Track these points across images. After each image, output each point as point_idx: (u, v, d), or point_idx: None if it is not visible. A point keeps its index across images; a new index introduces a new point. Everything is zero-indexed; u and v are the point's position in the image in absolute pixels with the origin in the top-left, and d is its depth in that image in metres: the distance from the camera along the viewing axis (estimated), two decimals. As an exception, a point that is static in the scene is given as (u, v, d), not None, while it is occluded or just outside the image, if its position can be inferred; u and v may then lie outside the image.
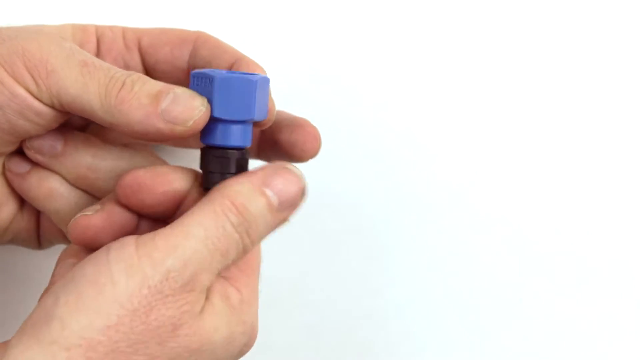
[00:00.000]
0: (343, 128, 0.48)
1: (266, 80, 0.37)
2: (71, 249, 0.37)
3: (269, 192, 0.35)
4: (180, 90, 0.35)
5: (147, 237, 0.33)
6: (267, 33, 0.47)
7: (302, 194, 0.36)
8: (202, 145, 0.37)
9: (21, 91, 0.35)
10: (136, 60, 0.40)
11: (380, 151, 0.49)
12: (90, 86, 0.34)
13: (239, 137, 0.36)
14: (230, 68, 0.38)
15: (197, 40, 0.39)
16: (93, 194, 0.39)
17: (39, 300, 0.33)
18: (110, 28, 0.40)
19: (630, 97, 0.49)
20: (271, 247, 0.48)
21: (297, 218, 0.48)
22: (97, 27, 0.40)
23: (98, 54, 0.39)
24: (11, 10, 0.44)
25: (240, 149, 0.37)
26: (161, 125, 0.34)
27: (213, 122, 0.36)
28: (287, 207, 0.36)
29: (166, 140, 0.36)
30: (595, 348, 0.50)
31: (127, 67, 0.39)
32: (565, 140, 0.49)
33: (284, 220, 0.36)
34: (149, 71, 0.40)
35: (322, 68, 0.48)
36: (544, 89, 0.49)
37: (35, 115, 0.35)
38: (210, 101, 0.35)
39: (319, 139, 0.41)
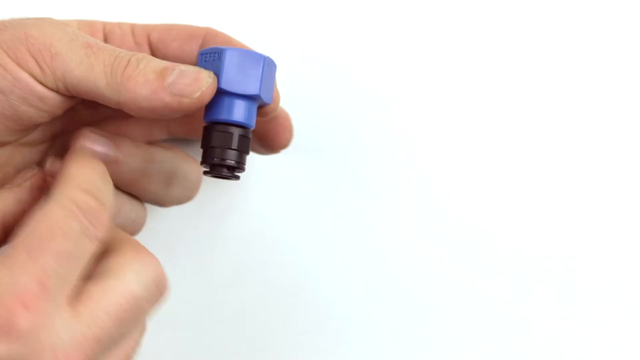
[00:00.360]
0: (342, 125, 0.48)
1: (273, 63, 0.37)
2: None
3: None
4: (185, 66, 0.35)
5: None
6: (268, 31, 0.48)
7: None
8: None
9: (25, 76, 0.34)
10: None
11: (377, 150, 0.49)
12: (96, 66, 0.34)
13: (243, 114, 0.36)
14: None
15: (206, 35, 0.39)
16: (139, 197, 0.40)
17: None
18: (119, 25, 0.40)
19: (623, 113, 0.49)
20: (269, 249, 0.49)
21: (292, 216, 0.48)
22: (104, 24, 0.39)
23: None
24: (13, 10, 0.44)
25: (243, 126, 0.37)
26: (168, 99, 0.34)
27: (218, 96, 0.36)
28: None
29: (173, 115, 0.36)
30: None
31: None
32: (566, 145, 0.49)
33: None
34: None
35: (324, 63, 0.48)
36: (540, 94, 0.49)
37: (38, 101, 0.35)
38: (217, 74, 0.36)
39: (291, 131, 0.42)
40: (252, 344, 0.48)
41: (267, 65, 0.36)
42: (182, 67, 0.35)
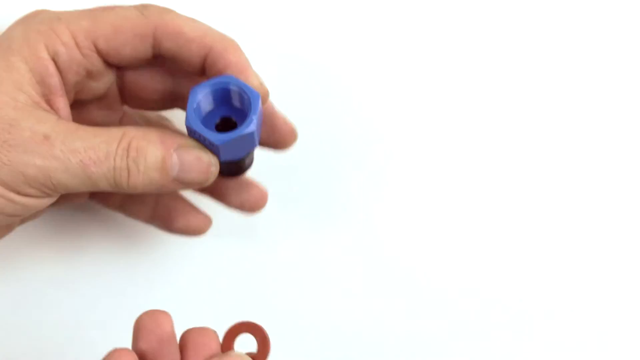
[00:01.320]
0: (332, 130, 0.48)
1: (259, 112, 0.37)
2: None
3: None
4: (184, 153, 0.36)
5: None
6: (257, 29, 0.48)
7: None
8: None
9: (28, 201, 0.36)
10: (97, 64, 0.38)
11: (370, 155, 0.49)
12: (99, 182, 0.36)
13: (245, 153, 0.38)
14: (202, 62, 0.37)
15: (156, 32, 0.37)
16: None
17: None
18: (62, 41, 0.37)
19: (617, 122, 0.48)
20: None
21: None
22: (46, 46, 0.37)
23: (60, 76, 0.38)
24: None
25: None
26: (177, 187, 0.37)
27: None
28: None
29: None
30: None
31: (90, 74, 0.39)
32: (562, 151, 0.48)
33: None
34: (113, 66, 0.39)
35: (316, 66, 0.48)
36: (529, 106, 0.48)
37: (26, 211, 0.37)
38: (215, 152, 0.37)
39: (294, 132, 0.42)
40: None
41: (258, 126, 0.37)
42: (181, 152, 0.36)
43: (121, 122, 0.42)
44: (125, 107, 0.42)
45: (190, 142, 0.36)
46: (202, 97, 0.36)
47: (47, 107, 0.37)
